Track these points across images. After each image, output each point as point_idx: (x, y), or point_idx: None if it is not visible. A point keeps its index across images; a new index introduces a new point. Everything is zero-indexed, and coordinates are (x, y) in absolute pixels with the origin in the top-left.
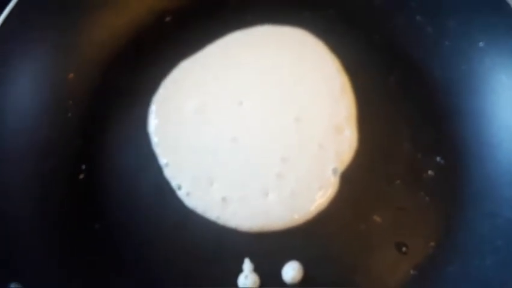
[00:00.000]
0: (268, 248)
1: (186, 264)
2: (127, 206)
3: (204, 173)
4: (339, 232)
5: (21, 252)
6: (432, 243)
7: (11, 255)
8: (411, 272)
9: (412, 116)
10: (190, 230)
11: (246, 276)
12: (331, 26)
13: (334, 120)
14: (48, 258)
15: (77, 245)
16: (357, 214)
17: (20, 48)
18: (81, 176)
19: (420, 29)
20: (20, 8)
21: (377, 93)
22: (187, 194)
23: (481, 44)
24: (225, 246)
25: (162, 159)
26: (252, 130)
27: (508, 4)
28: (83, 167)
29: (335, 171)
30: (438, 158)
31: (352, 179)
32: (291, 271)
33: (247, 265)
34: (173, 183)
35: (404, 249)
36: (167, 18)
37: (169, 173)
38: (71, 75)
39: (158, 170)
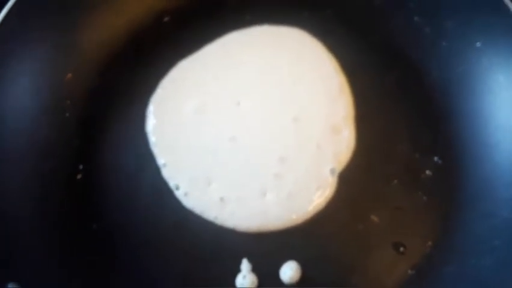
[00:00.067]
0: (266, 248)
1: (184, 265)
2: (125, 206)
3: (201, 173)
4: (337, 232)
5: (19, 252)
6: (429, 243)
7: (9, 255)
8: (409, 271)
9: (410, 116)
10: (188, 230)
11: (244, 277)
12: (329, 26)
13: (332, 120)
14: (47, 258)
15: (76, 245)
16: (355, 214)
17: (18, 49)
18: (79, 176)
19: (418, 30)
20: (18, 8)
21: (374, 93)
22: (185, 194)
23: (479, 44)
24: (223, 247)
25: (160, 160)
26: (250, 130)
27: (505, 5)
28: (81, 167)
29: (332, 171)
30: (435, 158)
31: (350, 179)
32: (289, 271)
33: (245, 265)
34: (171, 184)
35: (401, 249)
36: (166, 18)
37: (167, 173)
38: (69, 75)
39: (156, 170)
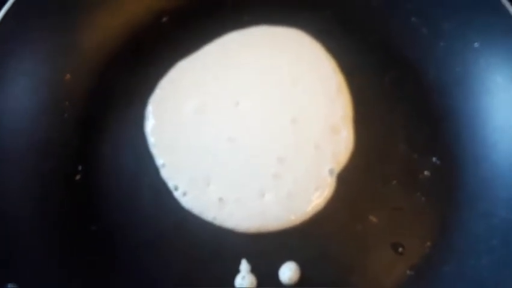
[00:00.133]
0: (265, 248)
1: (183, 265)
2: (124, 206)
3: (200, 174)
4: (335, 233)
5: (19, 252)
6: (428, 243)
7: (9, 256)
8: (408, 272)
9: (408, 117)
10: (187, 230)
11: (243, 277)
12: (327, 26)
13: (330, 120)
14: (46, 259)
15: (75, 245)
16: (354, 214)
17: (17, 49)
18: (78, 177)
19: (416, 30)
20: (17, 8)
21: (373, 93)
22: (184, 195)
23: (476, 44)
24: (222, 247)
25: (159, 160)
26: (249, 130)
27: (503, 5)
28: (80, 167)
29: (331, 171)
30: (434, 159)
31: (348, 179)
32: (288, 272)
33: (244, 266)
34: (170, 184)
35: (400, 249)
36: (164, 19)
37: (165, 174)
38: (68, 75)
39: (155, 170)
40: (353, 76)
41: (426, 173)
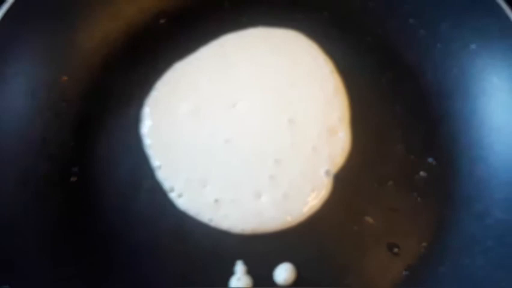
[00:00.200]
0: (261, 250)
1: (179, 266)
2: (120, 208)
3: (196, 175)
4: (331, 233)
5: (13, 254)
6: (424, 244)
7: (3, 257)
8: (404, 272)
9: (405, 118)
10: (183, 232)
11: (239, 279)
12: (325, 28)
13: (327, 122)
14: (40, 262)
15: (70, 247)
16: (350, 215)
17: (14, 50)
18: (73, 179)
19: (413, 32)
20: (15, 10)
21: (369, 95)
22: (180, 196)
23: (473, 46)
24: (218, 248)
25: (155, 161)
26: (246, 132)
27: (499, 7)
28: (76, 169)
29: (327, 172)
30: (430, 159)
31: (345, 180)
32: (283, 273)
33: (239, 267)
34: (166, 185)
35: (396, 249)
36: (162, 21)
37: (161, 175)
38: (65, 77)
39: (151, 172)
40: (350, 77)
41: (422, 173)
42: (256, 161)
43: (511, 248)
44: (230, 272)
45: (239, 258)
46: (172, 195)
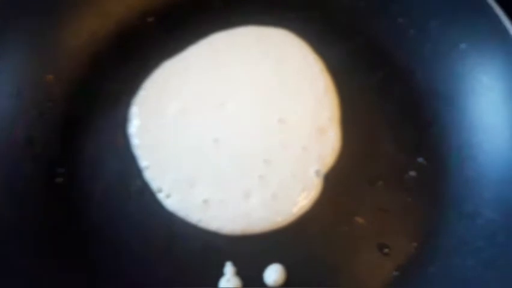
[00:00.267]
0: (251, 250)
1: (167, 268)
2: (107, 209)
3: (185, 175)
4: (321, 234)
5: None
6: (414, 244)
7: None
8: (394, 272)
9: (394, 117)
10: (171, 233)
11: (228, 280)
12: (315, 27)
13: (317, 121)
14: (24, 263)
15: (56, 249)
16: (340, 216)
17: None
18: (59, 180)
19: (403, 31)
20: None
21: (359, 94)
22: (168, 197)
23: (463, 45)
24: (207, 250)
25: (143, 162)
26: (235, 132)
27: (489, 6)
28: (62, 170)
29: (317, 172)
30: (420, 159)
31: (335, 180)
32: (273, 274)
33: (229, 268)
34: (154, 186)
35: (386, 250)
36: (150, 19)
37: (149, 176)
38: (50, 76)
39: (138, 172)
40: (340, 77)
41: (412, 173)
42: (246, 161)
43: (501, 248)
44: (219, 273)
45: (228, 259)
46: (160, 196)
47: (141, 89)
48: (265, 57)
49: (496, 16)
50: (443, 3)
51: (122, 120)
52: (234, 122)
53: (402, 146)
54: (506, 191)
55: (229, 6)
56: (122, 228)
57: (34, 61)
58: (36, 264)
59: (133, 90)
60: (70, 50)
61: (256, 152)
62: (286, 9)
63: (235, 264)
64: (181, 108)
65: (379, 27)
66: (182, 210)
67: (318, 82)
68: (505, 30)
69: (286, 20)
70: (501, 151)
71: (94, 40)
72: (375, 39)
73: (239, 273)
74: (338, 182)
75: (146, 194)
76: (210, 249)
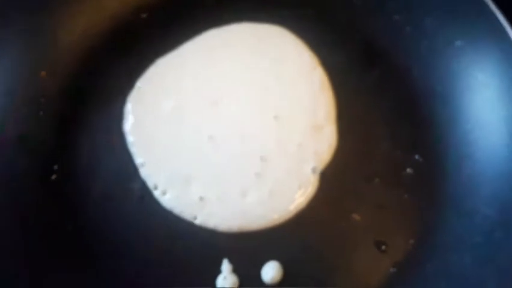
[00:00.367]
0: (247, 248)
1: (163, 265)
2: (102, 207)
3: (181, 173)
4: (318, 231)
5: None
6: (411, 241)
7: None
8: (391, 269)
9: (391, 114)
10: (167, 230)
11: (225, 278)
12: (310, 24)
13: (313, 118)
14: (17, 262)
15: (51, 247)
16: (337, 213)
17: None
18: (53, 177)
19: (399, 29)
20: None
21: (355, 91)
22: (164, 194)
23: (458, 42)
24: (203, 247)
25: (138, 159)
26: (230, 129)
27: (484, 3)
28: (56, 167)
29: (314, 169)
30: (417, 156)
31: (331, 177)
32: (270, 271)
33: (225, 266)
34: (150, 183)
35: (383, 247)
36: (143, 15)
37: (145, 173)
38: (43, 72)
39: (134, 169)
40: (335, 74)
41: (409, 170)
42: (242, 158)
43: (498, 245)
44: (216, 271)
45: (225, 256)
46: (156, 193)
47: (135, 86)
48: (260, 54)
49: (492, 13)
50: (439, 1)
51: (116, 118)
52: (229, 119)
53: (398, 143)
54: (503, 188)
55: (223, 3)
56: (119, 226)
57: (27, 57)
58: (31, 263)
59: (128, 87)
60: (63, 46)
61: (253, 149)
62: (281, 6)
63: (232, 261)
64: (175, 105)
65: (375, 25)
66: (178, 207)
67: (313, 79)
68: (500, 27)
69: (280, 17)
70: (497, 148)
71: (88, 36)
72: (371, 37)
73: (236, 270)
74: (334, 179)
75: (141, 191)
76: (206, 246)
